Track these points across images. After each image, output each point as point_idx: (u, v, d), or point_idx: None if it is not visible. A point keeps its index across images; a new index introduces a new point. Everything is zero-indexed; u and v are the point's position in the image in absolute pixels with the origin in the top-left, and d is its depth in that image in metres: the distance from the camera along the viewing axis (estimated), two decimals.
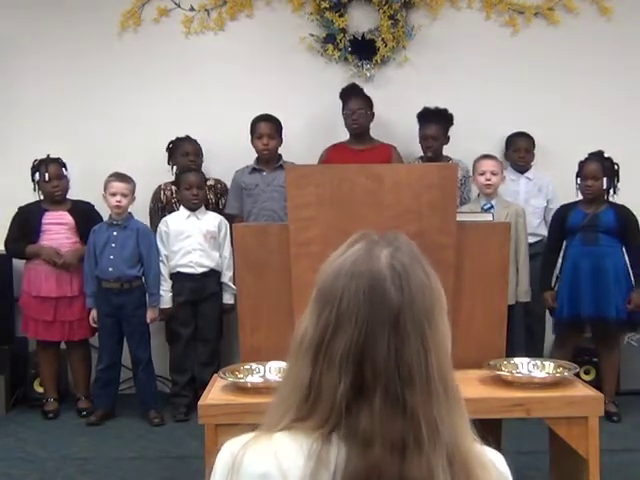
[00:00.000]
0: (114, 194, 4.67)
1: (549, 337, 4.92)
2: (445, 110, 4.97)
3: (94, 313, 4.77)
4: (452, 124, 4.99)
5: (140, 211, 4.93)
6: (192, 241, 4.81)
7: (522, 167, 5.13)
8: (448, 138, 5.01)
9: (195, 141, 5.09)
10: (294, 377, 1.09)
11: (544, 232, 4.97)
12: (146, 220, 5.01)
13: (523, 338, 4.77)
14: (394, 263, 1.08)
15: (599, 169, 4.49)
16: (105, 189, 4.69)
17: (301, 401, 1.07)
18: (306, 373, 1.07)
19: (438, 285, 1.12)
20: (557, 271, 4.72)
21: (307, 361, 1.07)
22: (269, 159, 4.97)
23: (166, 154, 5.10)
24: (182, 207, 4.89)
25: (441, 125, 4.95)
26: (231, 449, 1.10)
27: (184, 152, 5.04)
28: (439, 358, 1.07)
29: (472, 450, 1.07)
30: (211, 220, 4.88)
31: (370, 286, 1.06)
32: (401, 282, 1.07)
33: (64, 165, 4.88)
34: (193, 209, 4.84)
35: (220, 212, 5.04)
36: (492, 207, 4.59)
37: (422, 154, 5.04)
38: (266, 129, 4.93)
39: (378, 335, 1.05)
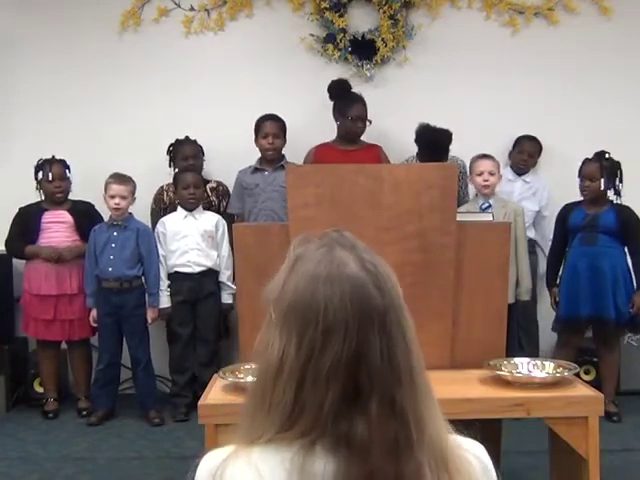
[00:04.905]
0: (113, 196, 4.68)
1: (544, 337, 4.93)
2: (444, 134, 4.70)
3: (94, 313, 4.77)
4: (450, 142, 4.72)
5: (140, 211, 4.92)
6: (189, 241, 4.81)
7: (522, 170, 5.14)
8: None
9: (195, 142, 5.08)
10: (277, 398, 1.04)
11: (532, 235, 4.97)
12: (148, 220, 5.01)
13: (524, 337, 4.80)
14: (365, 265, 1.07)
15: (596, 169, 4.50)
16: (105, 190, 4.70)
17: (284, 416, 1.04)
18: (290, 394, 1.03)
19: (395, 276, 1.12)
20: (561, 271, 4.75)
21: (292, 383, 1.03)
22: (273, 158, 4.96)
23: (167, 157, 5.09)
24: (179, 207, 4.88)
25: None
26: (209, 465, 1.07)
27: (184, 156, 5.03)
28: (418, 352, 1.08)
29: (450, 444, 1.07)
30: (208, 219, 4.87)
31: (354, 292, 1.04)
32: (380, 284, 1.06)
33: (68, 167, 4.89)
34: (190, 209, 4.83)
35: (222, 214, 5.02)
36: (490, 206, 4.58)
37: (415, 154, 4.92)
38: (272, 128, 4.93)
39: (371, 341, 1.03)
